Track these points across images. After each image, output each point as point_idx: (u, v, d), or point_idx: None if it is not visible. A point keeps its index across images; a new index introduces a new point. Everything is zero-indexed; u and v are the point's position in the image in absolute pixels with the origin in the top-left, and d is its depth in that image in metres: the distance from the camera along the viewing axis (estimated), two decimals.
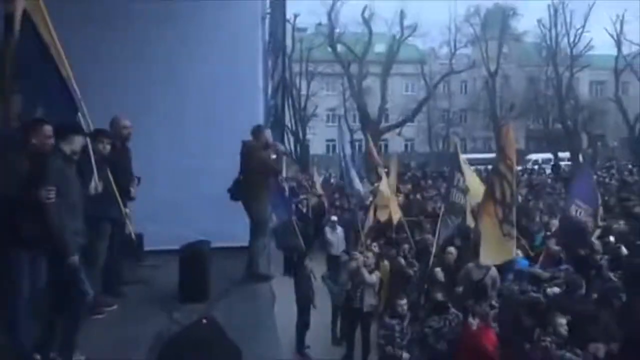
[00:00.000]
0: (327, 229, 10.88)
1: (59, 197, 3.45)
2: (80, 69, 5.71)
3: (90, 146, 4.24)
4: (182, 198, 6.03)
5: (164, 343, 2.64)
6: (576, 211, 7.95)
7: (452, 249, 7.76)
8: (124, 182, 5.00)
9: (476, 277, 6.73)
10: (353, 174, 11.71)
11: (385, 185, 10.04)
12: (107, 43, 6.09)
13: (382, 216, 9.79)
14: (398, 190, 11.54)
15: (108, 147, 4.63)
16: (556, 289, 6.52)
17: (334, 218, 11.21)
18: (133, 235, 4.97)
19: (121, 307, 4.63)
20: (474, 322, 5.41)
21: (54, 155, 3.61)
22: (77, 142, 3.80)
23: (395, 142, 35.98)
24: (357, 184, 12.12)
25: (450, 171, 9.73)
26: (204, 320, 2.79)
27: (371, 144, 15.06)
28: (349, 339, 7.86)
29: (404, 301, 6.44)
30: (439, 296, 6.55)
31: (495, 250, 6.66)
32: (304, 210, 13.36)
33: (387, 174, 11.07)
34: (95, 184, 4.28)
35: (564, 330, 5.04)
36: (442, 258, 7.61)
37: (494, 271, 6.81)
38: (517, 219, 7.19)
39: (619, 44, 33.06)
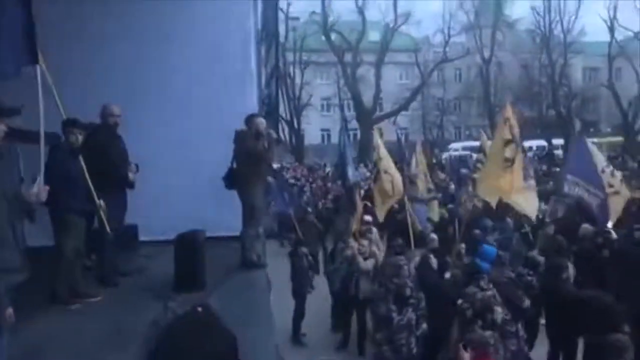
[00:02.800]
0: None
1: None
2: (69, 54, 5.74)
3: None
4: (177, 188, 6.02)
5: (159, 331, 2.64)
6: (569, 188, 7.83)
7: (433, 236, 7.92)
8: (117, 171, 4.98)
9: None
10: (350, 162, 11.67)
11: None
12: (97, 32, 6.04)
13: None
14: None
15: (80, 137, 4.53)
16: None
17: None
18: (108, 228, 4.81)
19: (116, 297, 4.64)
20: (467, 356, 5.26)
21: None
22: None
23: (390, 131, 35.99)
24: (354, 172, 12.11)
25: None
26: (199, 308, 2.79)
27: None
28: (345, 326, 7.93)
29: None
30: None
31: (491, 187, 7.23)
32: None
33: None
34: (38, 190, 3.42)
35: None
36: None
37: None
38: None
39: (612, 29, 33.02)
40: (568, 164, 8.21)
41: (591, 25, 35.36)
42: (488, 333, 5.29)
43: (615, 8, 32.35)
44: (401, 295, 5.87)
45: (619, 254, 7.21)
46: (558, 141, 29.21)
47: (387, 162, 9.54)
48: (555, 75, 33.49)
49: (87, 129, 4.69)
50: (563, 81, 34.22)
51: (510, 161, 7.47)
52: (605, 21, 32.92)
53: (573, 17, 33.45)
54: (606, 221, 7.60)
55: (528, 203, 7.43)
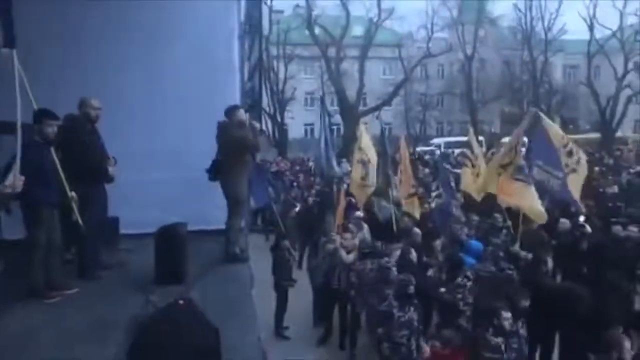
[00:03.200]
0: (351, 227, 8.85)
1: None
2: (51, 49, 5.67)
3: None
4: (159, 180, 5.96)
5: (140, 324, 2.63)
6: (539, 174, 7.83)
7: (417, 230, 7.98)
8: (97, 164, 4.92)
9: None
10: (332, 156, 11.71)
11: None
12: (81, 23, 5.94)
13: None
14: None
15: (54, 129, 4.44)
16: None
17: (359, 214, 9.29)
18: (80, 221, 4.65)
19: (97, 291, 4.58)
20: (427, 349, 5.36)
21: None
22: None
23: (374, 126, 36.09)
24: (336, 167, 12.14)
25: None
26: (181, 301, 2.79)
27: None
28: (327, 320, 7.96)
29: (508, 314, 5.44)
30: None
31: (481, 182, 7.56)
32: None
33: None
34: (14, 179, 3.48)
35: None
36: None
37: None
38: None
39: (591, 28, 33.49)
40: (534, 151, 8.24)
41: (571, 23, 35.91)
42: (499, 339, 5.25)
43: (594, 7, 32.86)
44: (404, 292, 5.72)
45: (597, 248, 7.39)
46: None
47: (368, 153, 9.65)
48: (537, 72, 33.95)
49: (64, 120, 4.61)
50: (544, 78, 34.71)
51: (505, 167, 7.73)
52: (584, 19, 33.46)
53: (554, 15, 34.00)
54: (571, 201, 7.71)
55: (531, 203, 7.44)
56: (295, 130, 36.91)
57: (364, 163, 9.69)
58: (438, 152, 26.11)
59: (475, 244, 7.62)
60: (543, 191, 7.79)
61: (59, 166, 4.44)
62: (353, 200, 10.12)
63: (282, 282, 8.06)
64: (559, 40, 35.21)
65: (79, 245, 5.01)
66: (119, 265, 5.23)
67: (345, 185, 12.07)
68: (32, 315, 4.06)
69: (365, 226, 8.94)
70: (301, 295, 8.49)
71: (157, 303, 3.66)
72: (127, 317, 3.66)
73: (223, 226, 5.58)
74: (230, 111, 5.48)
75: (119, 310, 3.97)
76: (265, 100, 27.52)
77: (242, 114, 5.54)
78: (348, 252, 7.43)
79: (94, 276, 4.85)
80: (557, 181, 7.43)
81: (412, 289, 5.75)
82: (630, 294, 6.18)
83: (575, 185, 7.56)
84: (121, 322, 3.66)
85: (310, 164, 24.05)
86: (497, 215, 8.97)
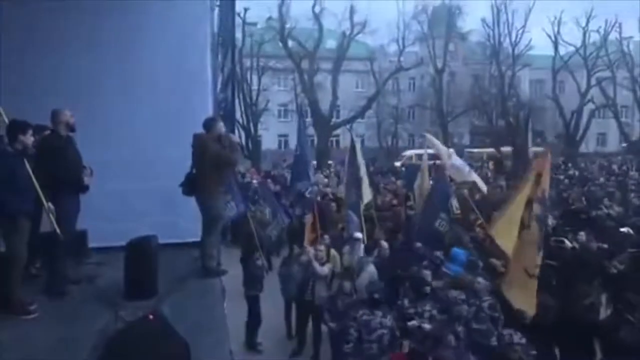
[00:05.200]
0: (347, 248, 8.43)
1: None
2: (24, 58, 5.60)
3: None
4: (128, 192, 5.87)
5: (108, 339, 2.57)
6: None
7: (384, 243, 7.98)
8: (73, 174, 4.83)
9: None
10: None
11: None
12: (54, 33, 5.90)
13: None
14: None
15: (31, 139, 4.41)
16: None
17: (358, 235, 8.49)
18: (58, 231, 4.55)
19: (65, 306, 4.47)
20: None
21: None
22: None
23: (347, 138, 36.31)
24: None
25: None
26: (151, 316, 2.74)
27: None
28: (300, 332, 7.91)
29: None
30: None
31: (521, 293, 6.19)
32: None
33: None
34: None
35: None
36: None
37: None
38: None
39: (556, 44, 34.84)
40: None
41: (537, 39, 37.13)
42: None
43: (559, 24, 34.27)
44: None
45: (564, 259, 7.58)
46: (506, 149, 30.21)
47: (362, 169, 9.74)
48: (505, 86, 34.90)
49: (34, 130, 4.52)
50: (511, 92, 35.69)
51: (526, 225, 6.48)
52: (549, 36, 34.74)
53: (520, 31, 35.11)
54: None
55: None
56: (269, 142, 36.90)
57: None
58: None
59: (459, 252, 7.55)
60: None
61: (33, 177, 4.35)
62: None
63: (253, 294, 7.97)
64: (525, 55, 36.34)
65: (46, 259, 4.88)
66: (88, 279, 5.11)
67: (319, 197, 12.10)
68: None
69: (363, 248, 8.24)
70: (274, 307, 8.43)
71: (126, 318, 3.59)
72: (95, 334, 3.58)
73: (194, 239, 5.52)
74: (209, 124, 5.40)
75: (87, 326, 3.87)
76: (238, 112, 27.35)
77: (221, 128, 5.49)
78: (322, 264, 7.44)
79: (61, 291, 4.71)
80: None
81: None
82: (595, 304, 6.32)
83: None
84: (90, 338, 3.57)
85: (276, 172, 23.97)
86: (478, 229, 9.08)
